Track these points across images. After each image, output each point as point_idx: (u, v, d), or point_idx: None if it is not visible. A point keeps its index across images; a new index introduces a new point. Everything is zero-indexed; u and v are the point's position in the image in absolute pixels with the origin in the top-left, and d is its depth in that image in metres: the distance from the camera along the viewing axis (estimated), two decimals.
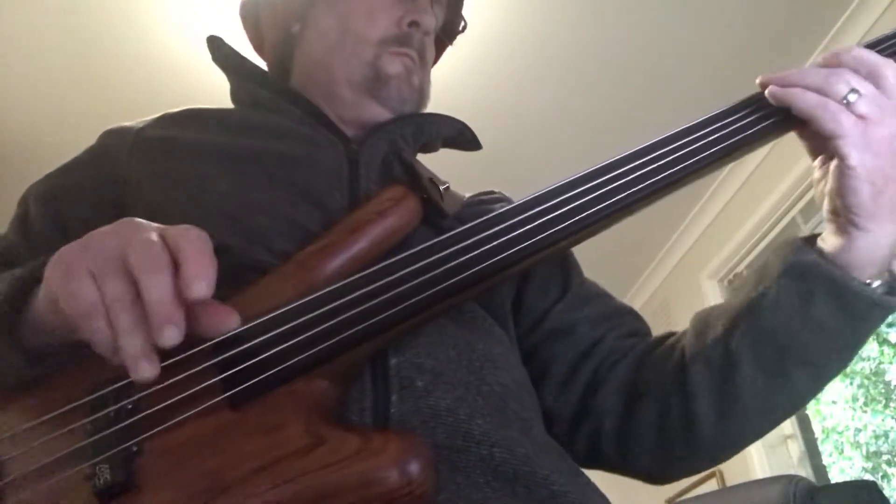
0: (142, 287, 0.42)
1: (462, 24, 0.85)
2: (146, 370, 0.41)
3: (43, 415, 0.46)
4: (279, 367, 0.46)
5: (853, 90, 0.53)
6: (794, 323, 0.55)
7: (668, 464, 0.64)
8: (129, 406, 0.45)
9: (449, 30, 0.84)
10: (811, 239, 0.58)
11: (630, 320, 0.73)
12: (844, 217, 0.54)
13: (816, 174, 0.59)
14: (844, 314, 0.55)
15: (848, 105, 0.53)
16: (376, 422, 0.49)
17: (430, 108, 0.79)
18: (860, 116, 0.52)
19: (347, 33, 0.72)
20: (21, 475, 0.44)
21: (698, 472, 0.66)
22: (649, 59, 2.29)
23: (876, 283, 0.55)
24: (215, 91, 2.23)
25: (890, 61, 0.55)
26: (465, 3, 0.84)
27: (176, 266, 0.43)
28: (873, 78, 0.54)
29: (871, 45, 0.59)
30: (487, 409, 0.53)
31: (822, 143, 0.55)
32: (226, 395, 0.45)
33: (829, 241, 0.56)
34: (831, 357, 0.57)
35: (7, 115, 2.31)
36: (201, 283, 0.42)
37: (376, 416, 0.50)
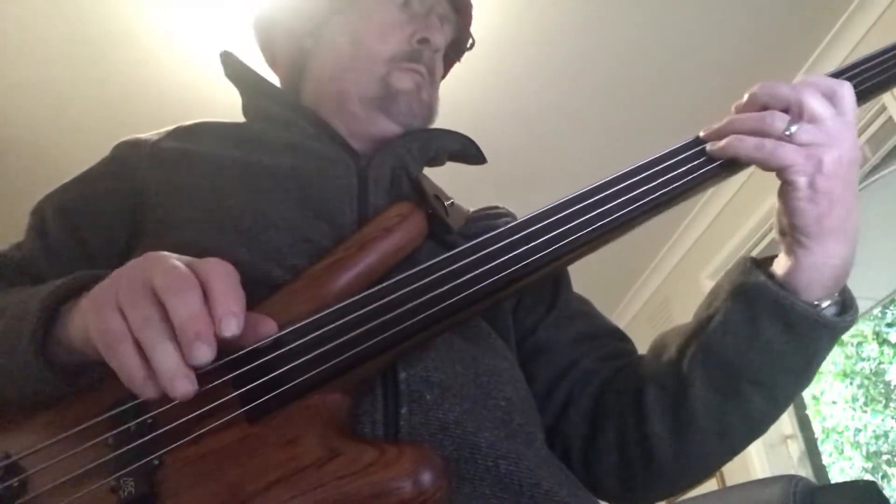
0: (169, 308, 0.42)
1: (469, 41, 0.86)
2: (184, 387, 0.41)
3: (66, 430, 0.47)
4: (294, 382, 0.47)
5: (791, 121, 0.54)
6: (742, 344, 0.56)
7: (632, 488, 0.65)
8: (150, 421, 0.46)
9: (457, 47, 0.86)
10: (766, 260, 0.59)
11: (612, 342, 0.73)
12: (791, 237, 0.55)
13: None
14: (791, 336, 0.55)
15: (791, 136, 0.53)
16: (387, 434, 0.51)
17: None
18: (806, 144, 0.53)
19: (360, 50, 0.74)
20: (46, 490, 0.46)
21: (667, 496, 0.66)
22: (652, 61, 2.29)
23: (825, 304, 0.56)
24: (215, 96, 2.25)
25: (843, 82, 0.56)
26: (472, 18, 0.86)
27: (204, 295, 0.43)
28: (802, 109, 0.54)
29: (836, 75, 0.60)
30: (493, 422, 0.55)
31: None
32: (243, 409, 0.46)
33: (779, 262, 0.57)
34: (783, 378, 0.57)
35: (7, 117, 2.32)
36: (231, 321, 0.42)
37: (387, 429, 0.51)
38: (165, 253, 0.47)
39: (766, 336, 0.55)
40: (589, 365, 0.69)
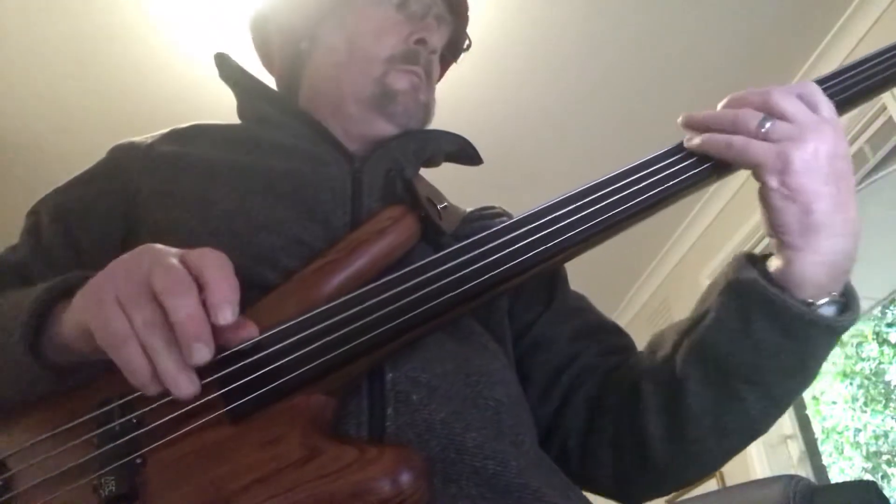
0: (168, 310, 0.43)
1: (466, 42, 0.86)
2: (188, 387, 0.43)
3: (51, 429, 0.47)
4: (278, 382, 0.47)
5: (765, 118, 0.53)
6: (735, 342, 0.55)
7: (627, 484, 0.64)
8: (134, 420, 0.47)
9: (453, 48, 0.86)
10: (764, 256, 0.58)
11: (610, 337, 0.73)
12: (777, 237, 0.54)
13: None
14: (783, 335, 0.53)
15: (766, 133, 0.53)
16: (372, 435, 0.51)
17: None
18: (779, 140, 0.53)
19: (356, 51, 0.74)
20: (29, 487, 0.46)
21: (663, 493, 0.65)
22: (650, 61, 2.30)
23: (821, 302, 0.54)
24: (215, 100, 2.25)
25: (808, 83, 0.57)
26: (468, 20, 0.85)
27: (200, 288, 0.44)
28: (772, 108, 0.54)
29: (831, 77, 0.60)
30: (482, 422, 0.55)
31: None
32: (226, 409, 0.47)
33: (773, 263, 0.56)
34: (778, 378, 0.56)
35: (7, 119, 2.32)
36: (226, 308, 0.43)
37: (372, 430, 0.51)
38: (158, 246, 0.48)
39: (758, 334, 0.54)
40: (587, 361, 0.69)
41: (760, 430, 0.59)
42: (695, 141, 0.57)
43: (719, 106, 0.58)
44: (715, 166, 0.57)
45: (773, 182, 0.52)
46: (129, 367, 0.43)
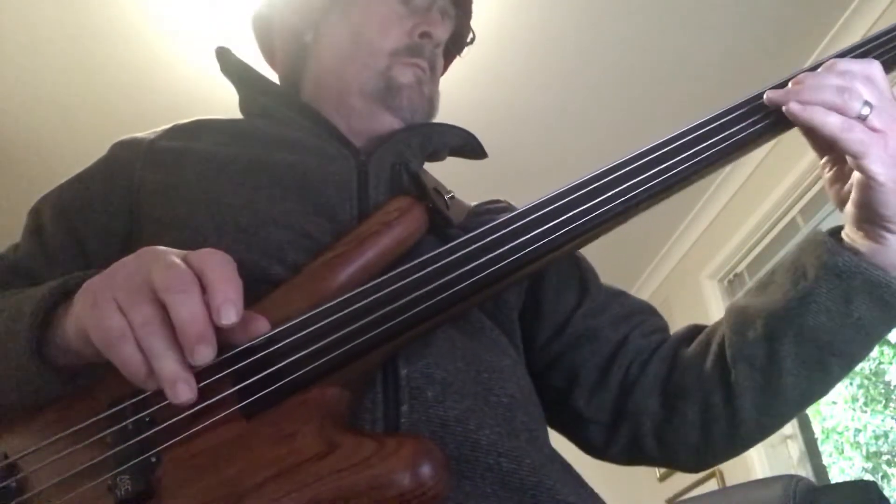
0: (170, 308, 0.42)
1: (470, 35, 0.86)
2: (184, 392, 0.42)
3: (64, 429, 0.47)
4: (292, 376, 0.47)
5: (865, 103, 0.53)
6: (836, 322, 0.57)
7: (707, 456, 0.67)
8: (147, 418, 0.46)
9: (457, 41, 0.85)
10: (837, 236, 0.59)
11: (650, 318, 0.74)
12: (878, 225, 0.55)
13: (828, 174, 0.60)
14: (883, 312, 0.57)
15: (864, 121, 0.53)
16: (387, 431, 0.50)
17: None
18: (875, 130, 0.53)
19: (360, 44, 0.74)
20: (44, 488, 0.45)
21: (730, 458, 0.68)
22: (651, 60, 2.30)
23: None
24: (214, 97, 2.25)
25: (874, 62, 0.56)
26: (472, 13, 0.85)
27: (202, 288, 0.43)
28: (872, 85, 0.54)
29: (843, 54, 0.60)
30: (495, 419, 0.54)
31: (829, 146, 0.55)
32: (240, 405, 0.46)
33: (860, 243, 0.57)
34: (865, 348, 0.59)
35: (8, 118, 2.32)
36: (230, 309, 0.42)
37: (387, 426, 0.51)
38: (160, 248, 0.47)
39: (860, 313, 0.57)
40: (639, 342, 0.70)
41: (830, 391, 0.63)
42: (798, 107, 0.54)
43: (826, 64, 0.57)
44: (775, 122, 0.56)
45: (882, 176, 0.53)
46: (125, 368, 0.42)
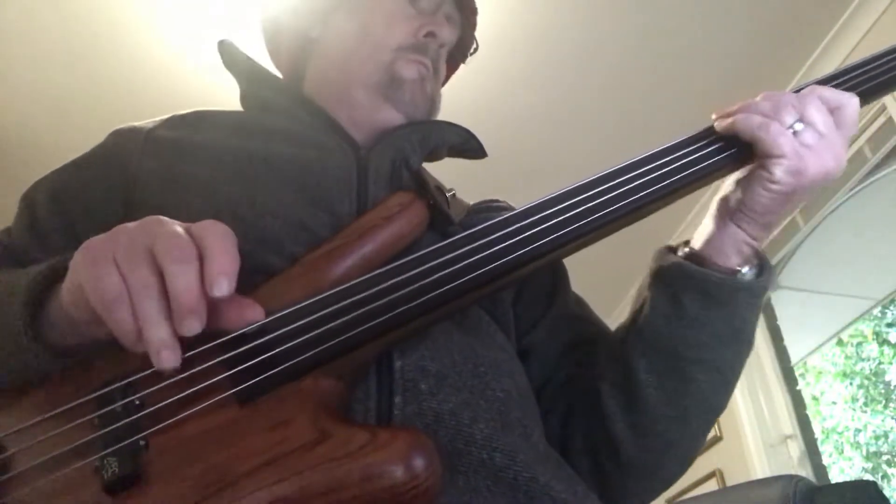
0: (167, 276, 0.42)
1: (474, 45, 0.87)
2: (169, 360, 0.42)
3: (52, 409, 0.46)
4: (287, 364, 0.46)
5: (802, 121, 0.55)
6: (672, 324, 0.59)
7: (610, 489, 0.65)
8: (137, 401, 0.45)
9: (461, 49, 0.87)
10: (680, 244, 0.63)
11: (600, 348, 0.73)
12: (736, 210, 0.58)
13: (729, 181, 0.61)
14: (711, 305, 0.58)
15: (795, 133, 0.55)
16: (380, 423, 0.50)
17: None
18: (804, 145, 0.55)
19: (366, 38, 0.75)
20: (28, 468, 0.45)
21: (649, 494, 0.66)
22: (651, 60, 2.29)
23: (745, 269, 0.60)
24: (211, 92, 2.24)
25: (853, 97, 0.57)
26: (476, 25, 0.86)
27: (201, 260, 0.43)
28: (826, 114, 0.56)
29: (826, 81, 0.61)
30: (490, 413, 0.54)
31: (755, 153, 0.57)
32: (233, 391, 0.46)
33: (703, 228, 0.61)
34: (717, 350, 0.60)
35: (5, 115, 2.31)
36: (223, 280, 0.43)
37: (380, 417, 0.50)
38: (165, 218, 0.47)
39: (690, 311, 0.58)
40: (571, 371, 0.69)
41: (718, 406, 0.63)
42: (727, 121, 0.57)
43: (757, 98, 0.59)
44: (733, 154, 0.57)
45: (781, 176, 0.55)
46: (117, 328, 0.42)
